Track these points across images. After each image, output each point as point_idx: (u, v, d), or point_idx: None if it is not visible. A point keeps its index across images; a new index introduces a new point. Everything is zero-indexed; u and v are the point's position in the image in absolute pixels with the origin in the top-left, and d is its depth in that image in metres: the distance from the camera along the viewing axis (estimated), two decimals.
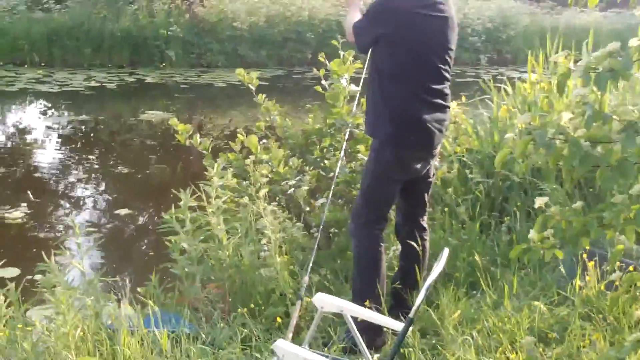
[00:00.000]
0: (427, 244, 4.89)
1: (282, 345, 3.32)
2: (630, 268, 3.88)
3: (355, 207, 4.83)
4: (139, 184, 10.46)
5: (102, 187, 10.37)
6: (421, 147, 4.62)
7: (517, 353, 4.01)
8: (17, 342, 4.02)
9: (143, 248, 8.00)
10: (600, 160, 2.93)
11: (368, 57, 4.90)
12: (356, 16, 4.78)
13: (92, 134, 14.15)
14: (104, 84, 18.27)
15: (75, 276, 4.77)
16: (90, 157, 12.21)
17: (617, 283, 3.68)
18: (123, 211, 8.83)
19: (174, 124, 6.16)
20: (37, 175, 10.78)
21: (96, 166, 11.58)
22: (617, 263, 3.76)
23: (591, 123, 2.87)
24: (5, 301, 4.23)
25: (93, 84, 18.18)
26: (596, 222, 3.15)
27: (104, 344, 4.13)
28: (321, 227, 5.09)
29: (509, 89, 7.62)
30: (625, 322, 4.19)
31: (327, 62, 6.19)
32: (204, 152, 6.03)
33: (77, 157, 12.17)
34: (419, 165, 4.66)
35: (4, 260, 5.65)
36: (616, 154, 2.89)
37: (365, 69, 5.35)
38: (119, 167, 11.26)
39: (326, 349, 4.18)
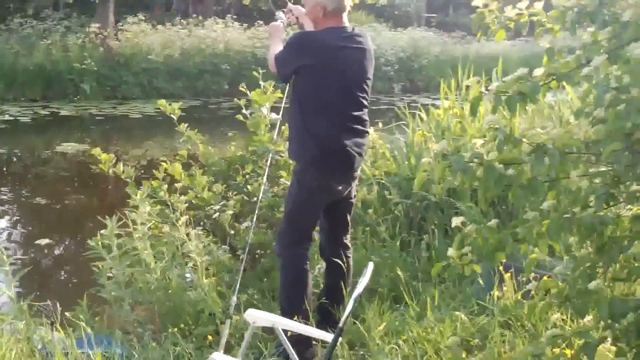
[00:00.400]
0: (351, 261, 5.06)
1: (218, 358, 3.44)
2: (545, 278, 4.11)
3: (280, 229, 4.98)
4: (57, 214, 10.40)
5: (20, 218, 10.24)
6: (342, 171, 4.81)
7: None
8: None
9: (67, 275, 7.98)
10: (512, 180, 3.14)
11: (287, 87, 5.09)
12: (278, 47, 4.95)
13: (6, 167, 13.98)
14: (17, 118, 18.03)
15: (4, 302, 4.78)
16: (6, 189, 12.06)
17: (533, 292, 3.89)
18: (44, 241, 8.78)
19: (97, 153, 6.22)
20: None
21: (13, 198, 11.44)
22: (532, 275, 3.97)
23: (503, 146, 3.08)
24: None
25: (7, 117, 17.92)
26: (510, 238, 3.36)
27: None
28: (247, 249, 5.21)
29: (424, 115, 7.89)
30: (542, 327, 4.41)
31: (248, 92, 6.34)
32: (128, 179, 6.09)
33: None
34: (340, 188, 4.84)
35: None
36: (526, 175, 3.11)
37: (285, 98, 5.55)
38: (36, 199, 11.16)
39: None
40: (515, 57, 26.29)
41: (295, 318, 4.35)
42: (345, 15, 4.82)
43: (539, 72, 3.09)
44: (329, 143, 4.69)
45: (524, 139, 3.12)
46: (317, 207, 4.84)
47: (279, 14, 5.59)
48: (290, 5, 5.63)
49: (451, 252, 3.36)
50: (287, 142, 5.43)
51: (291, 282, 4.80)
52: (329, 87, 4.68)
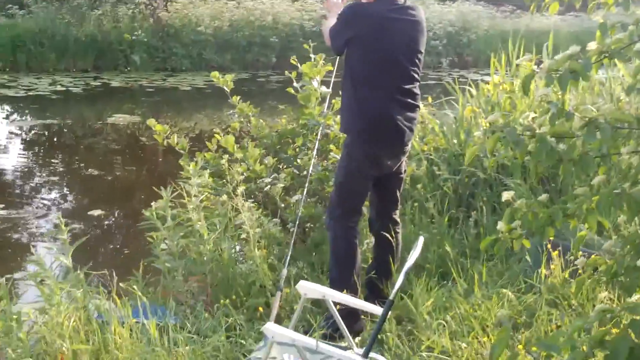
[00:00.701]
0: (400, 237, 5.11)
1: (272, 327, 3.53)
2: (593, 256, 4.13)
3: (331, 202, 5.03)
4: (108, 185, 10.56)
5: (73, 189, 10.43)
6: (392, 144, 4.84)
7: (488, 337, 4.25)
8: (12, 333, 4.17)
9: (121, 245, 8.14)
10: (564, 154, 3.16)
11: (337, 60, 5.15)
12: (333, 21, 4.99)
13: (58, 137, 14.24)
14: (69, 89, 18.32)
15: (62, 271, 4.91)
16: (58, 159, 12.33)
17: (580, 270, 3.91)
18: (96, 212, 8.94)
19: (152, 124, 6.32)
20: (7, 178, 10.84)
21: (65, 169, 11.68)
22: (580, 253, 3.99)
23: (555, 120, 3.10)
24: None
25: (59, 88, 18.23)
26: (561, 213, 3.38)
27: (95, 333, 4.30)
28: (297, 222, 5.29)
29: (473, 91, 7.88)
30: (589, 306, 4.44)
31: (298, 64, 6.39)
32: (181, 151, 6.19)
33: (45, 160, 12.26)
34: (390, 162, 4.88)
35: None
36: (578, 149, 3.12)
37: (335, 71, 5.59)
38: (88, 170, 11.38)
39: (307, 335, 4.37)
40: (565, 32, 26.00)
41: (345, 291, 4.41)
42: None
43: (591, 47, 3.10)
44: (379, 116, 4.73)
45: (576, 113, 3.14)
46: (366, 179, 4.88)
47: None
48: None
49: (500, 226, 3.39)
50: (339, 115, 5.49)
51: (341, 256, 4.86)
52: (379, 58, 4.69)
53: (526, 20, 27.65)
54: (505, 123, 3.25)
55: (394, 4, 4.76)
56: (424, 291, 4.81)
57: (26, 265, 7.27)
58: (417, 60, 4.84)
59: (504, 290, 4.68)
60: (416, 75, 4.85)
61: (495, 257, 5.41)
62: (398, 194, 5.13)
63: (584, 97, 7.29)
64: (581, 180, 5.53)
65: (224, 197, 5.66)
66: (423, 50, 4.91)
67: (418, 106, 4.93)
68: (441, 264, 5.40)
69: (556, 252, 4.77)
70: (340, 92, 5.01)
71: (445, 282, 5.19)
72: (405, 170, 5.16)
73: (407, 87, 4.79)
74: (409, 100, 4.81)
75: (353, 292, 4.61)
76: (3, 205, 9.05)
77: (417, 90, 4.87)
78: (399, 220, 5.16)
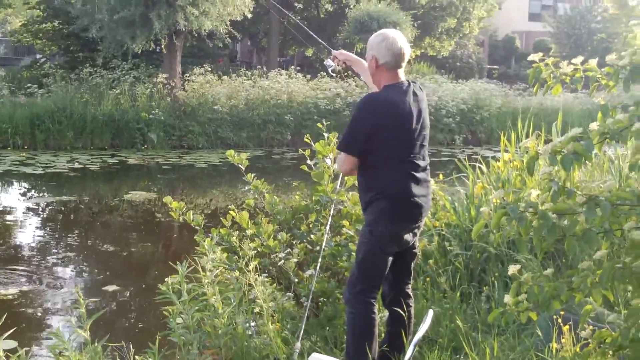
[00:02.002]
0: (412, 311, 5.19)
1: (318, 356, 3.59)
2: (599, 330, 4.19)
3: (351, 277, 5.07)
4: (124, 261, 10.66)
5: (89, 265, 10.51)
6: (412, 221, 4.97)
7: None
8: None
9: (137, 319, 8.20)
10: (566, 230, 3.26)
11: None
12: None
13: (75, 214, 14.40)
14: (86, 166, 18.61)
15: (80, 343, 4.98)
16: (75, 235, 12.48)
17: (586, 338, 3.96)
18: (111, 287, 9.03)
19: (168, 201, 6.45)
20: (25, 254, 10.97)
21: (81, 245, 11.80)
22: (590, 327, 4.05)
23: (557, 197, 3.21)
24: None
25: (76, 165, 18.53)
26: (565, 287, 3.47)
27: None
28: (310, 297, 5.38)
29: (484, 168, 8.01)
30: None
31: (312, 143, 6.54)
32: (197, 227, 6.31)
33: (62, 236, 12.40)
34: (409, 237, 5.00)
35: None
36: (581, 225, 3.22)
37: None
38: (104, 246, 11.51)
39: None
40: (577, 109, 26.35)
41: None
42: (401, 71, 5.00)
43: (593, 127, 3.22)
44: (401, 194, 4.85)
45: (577, 191, 3.25)
46: (387, 255, 4.95)
47: (328, 61, 5.88)
48: (334, 52, 5.89)
49: (507, 299, 3.47)
50: (350, 192, 5.60)
51: (359, 330, 4.90)
52: (399, 142, 4.84)
53: (538, 98, 27.97)
54: (515, 200, 3.37)
55: (402, 88, 4.93)
56: None
57: (44, 338, 7.36)
58: (426, 138, 5.01)
59: None
60: (427, 153, 5.01)
61: (507, 332, 5.45)
62: (411, 268, 5.23)
63: (592, 174, 7.40)
64: (585, 252, 5.60)
65: (237, 272, 5.76)
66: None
67: (430, 182, 5.07)
68: (453, 338, 5.45)
69: (567, 326, 4.82)
70: (358, 175, 5.09)
71: (457, 356, 5.23)
72: (417, 245, 5.26)
73: (422, 164, 4.95)
74: (425, 177, 4.99)
75: None
76: (23, 280, 9.17)
77: (428, 167, 5.03)
78: (411, 294, 5.24)
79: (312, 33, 7.44)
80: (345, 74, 6.03)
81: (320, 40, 7.10)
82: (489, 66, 47.12)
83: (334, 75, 6.02)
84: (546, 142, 3.34)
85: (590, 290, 3.37)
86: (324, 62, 5.97)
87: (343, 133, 4.93)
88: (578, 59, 3.53)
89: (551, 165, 3.24)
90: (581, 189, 3.25)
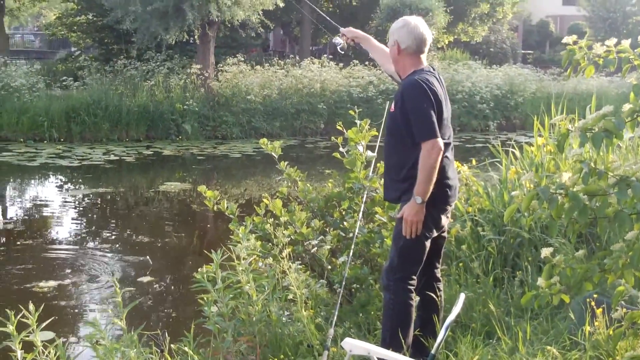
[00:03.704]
0: (443, 294, 5.20)
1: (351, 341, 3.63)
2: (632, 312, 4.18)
3: (390, 264, 5.05)
4: (159, 251, 10.77)
5: (125, 255, 10.60)
6: (449, 203, 5.03)
7: None
8: None
9: (172, 308, 8.30)
10: (597, 211, 3.25)
11: (382, 126, 5.31)
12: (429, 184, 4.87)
13: (111, 206, 14.57)
14: (122, 158, 18.78)
15: (115, 333, 5.06)
16: (111, 227, 12.64)
17: (619, 320, 3.95)
18: (146, 277, 9.13)
19: (203, 190, 6.51)
20: (62, 246, 11.11)
21: (117, 236, 11.95)
22: (622, 310, 4.04)
23: (588, 179, 3.20)
24: (55, 355, 4.50)
25: (112, 157, 18.71)
26: (597, 268, 3.46)
27: None
28: (343, 283, 5.40)
29: (517, 153, 7.98)
30: None
31: (344, 130, 6.56)
32: (231, 216, 6.37)
33: (98, 228, 12.56)
34: (444, 221, 5.04)
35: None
36: (613, 207, 3.22)
37: (380, 136, 5.73)
38: (139, 237, 11.64)
39: None
40: (612, 93, 26.09)
41: (392, 349, 4.48)
42: (424, 57, 5.01)
43: (626, 107, 3.21)
44: (441, 178, 4.85)
45: (608, 172, 3.24)
46: (427, 241, 4.97)
47: (336, 39, 5.89)
48: (342, 29, 5.91)
49: (540, 281, 3.47)
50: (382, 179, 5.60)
51: (397, 318, 4.93)
52: (440, 123, 4.83)
53: (573, 83, 27.73)
54: (548, 184, 3.37)
55: (432, 73, 4.95)
56: (469, 349, 4.86)
57: (80, 328, 7.47)
58: None
59: (549, 348, 4.72)
60: None
61: (540, 316, 5.44)
62: (442, 251, 5.25)
63: (627, 158, 7.35)
64: (621, 237, 5.57)
65: (271, 259, 5.81)
66: None
67: None
68: (486, 323, 5.45)
69: (600, 309, 4.80)
70: (392, 162, 5.08)
71: (490, 340, 5.23)
72: (447, 229, 5.28)
73: (452, 146, 4.99)
74: (453, 159, 5.04)
75: (399, 350, 4.68)
76: (60, 271, 9.30)
77: None
78: (440, 277, 5.25)
79: (315, 7, 7.44)
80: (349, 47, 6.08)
81: (326, 16, 7.10)
82: (523, 51, 46.75)
83: (342, 52, 6.06)
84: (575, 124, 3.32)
85: (622, 272, 3.37)
86: (333, 40, 5.99)
87: (417, 125, 4.78)
88: (611, 41, 3.52)
89: (582, 145, 3.24)
90: (612, 170, 3.24)
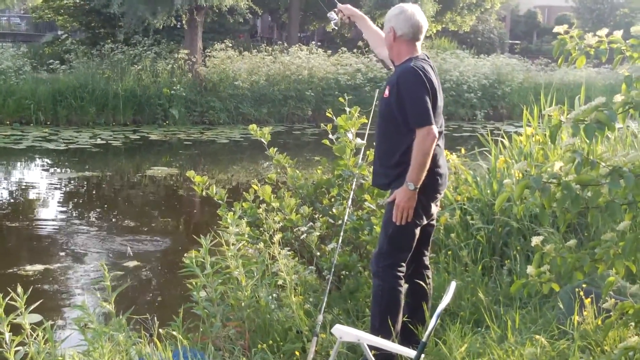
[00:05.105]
0: (432, 282, 5.22)
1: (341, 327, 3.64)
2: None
3: (380, 250, 5.04)
4: (145, 235, 10.73)
5: (111, 240, 10.56)
6: (439, 192, 5.03)
7: None
8: None
9: (161, 292, 8.30)
10: (589, 201, 3.26)
11: (372, 113, 5.31)
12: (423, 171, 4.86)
13: (97, 190, 14.54)
14: (109, 142, 18.72)
15: (105, 316, 5.05)
16: (97, 211, 12.62)
17: (609, 310, 3.96)
18: (133, 262, 9.11)
19: (191, 175, 6.49)
20: (47, 230, 11.08)
21: (104, 220, 11.92)
22: (612, 301, 4.06)
23: (580, 168, 3.21)
24: (43, 338, 4.48)
25: (99, 141, 18.65)
26: (588, 258, 3.48)
27: None
28: (332, 270, 5.40)
29: (506, 142, 8.00)
30: None
31: (334, 117, 6.54)
32: (220, 201, 6.36)
33: (85, 212, 12.53)
34: (434, 209, 5.05)
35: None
36: (605, 197, 3.23)
37: (369, 123, 5.73)
38: (125, 221, 11.60)
39: None
40: (599, 84, 26.18)
41: (381, 336, 4.49)
42: (419, 45, 5.00)
43: (617, 99, 3.21)
44: (433, 166, 4.85)
45: (601, 162, 3.25)
46: (417, 228, 4.97)
47: (331, 14, 5.84)
48: (339, 5, 5.88)
49: (530, 270, 3.48)
50: (371, 167, 5.60)
51: (386, 303, 4.92)
52: (434, 111, 4.81)
53: (560, 73, 27.81)
54: (537, 173, 3.37)
55: (427, 61, 4.95)
56: (458, 337, 4.87)
57: (68, 312, 7.45)
58: None
59: (537, 337, 4.73)
60: None
61: (529, 305, 5.46)
62: (430, 239, 5.26)
63: (615, 148, 7.37)
64: (612, 227, 5.59)
65: (261, 245, 5.80)
66: None
67: None
68: (475, 311, 5.46)
69: (588, 299, 4.83)
70: (384, 148, 5.05)
71: (479, 329, 5.24)
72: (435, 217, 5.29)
73: (443, 134, 4.98)
74: (443, 147, 5.04)
75: (388, 336, 4.69)
76: (47, 255, 9.27)
77: None
78: (429, 265, 5.26)
79: None
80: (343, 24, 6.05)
81: None
82: (510, 41, 46.85)
83: (336, 28, 6.02)
84: (567, 115, 3.32)
85: (613, 262, 3.38)
86: (328, 15, 5.91)
87: (412, 111, 4.76)
88: (603, 31, 3.52)
89: (574, 136, 3.25)
90: (605, 161, 3.24)
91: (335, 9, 5.85)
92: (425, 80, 4.76)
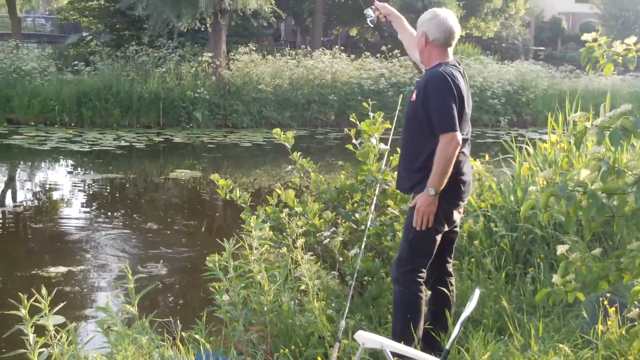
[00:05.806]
0: (455, 289, 5.19)
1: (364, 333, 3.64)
2: None
3: (400, 256, 5.04)
4: (168, 238, 10.77)
5: (136, 242, 10.61)
6: (462, 199, 4.99)
7: None
8: None
9: (183, 296, 8.32)
10: (615, 210, 3.24)
11: (395, 118, 5.30)
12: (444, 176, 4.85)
13: (121, 192, 14.61)
14: (132, 144, 18.81)
15: (126, 319, 5.06)
16: (120, 213, 12.66)
17: (634, 319, 3.94)
18: (157, 264, 9.15)
19: (215, 179, 6.50)
20: (71, 231, 11.14)
21: (127, 222, 11.96)
22: (637, 310, 4.03)
23: (606, 177, 3.19)
24: (66, 340, 4.50)
25: (122, 143, 18.75)
26: (614, 267, 3.45)
27: None
28: (355, 275, 5.39)
29: (530, 149, 7.95)
30: None
31: (357, 122, 6.53)
32: (243, 205, 6.36)
33: (108, 214, 12.58)
34: (457, 216, 5.01)
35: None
36: (631, 205, 3.20)
37: (393, 129, 5.71)
38: (148, 223, 11.65)
39: None
40: (624, 92, 26.04)
41: (403, 342, 4.47)
42: (450, 50, 4.98)
43: None
44: (457, 173, 4.83)
45: (627, 170, 3.23)
46: (438, 235, 4.95)
47: (368, 11, 5.82)
48: (377, 3, 5.87)
49: (555, 278, 3.46)
50: (396, 172, 5.58)
51: (407, 309, 4.91)
52: (461, 118, 4.78)
53: (585, 81, 27.66)
54: (562, 181, 3.36)
55: (457, 67, 4.92)
56: (481, 345, 4.85)
57: (92, 314, 7.48)
58: None
59: (561, 346, 4.70)
60: None
61: (552, 313, 5.43)
62: (453, 246, 5.23)
63: None
64: (637, 237, 5.55)
65: (284, 249, 5.80)
66: None
67: None
68: (498, 319, 5.44)
69: (613, 308, 4.79)
70: (408, 151, 5.03)
71: (501, 336, 5.22)
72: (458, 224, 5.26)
73: (470, 142, 4.97)
74: (469, 154, 5.01)
75: (410, 342, 4.68)
76: (70, 257, 9.31)
77: None
78: (452, 272, 5.24)
79: None
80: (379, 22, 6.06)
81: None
82: (535, 47, 46.62)
83: (371, 25, 6.01)
84: (592, 122, 3.31)
85: (638, 271, 3.35)
86: (365, 11, 5.90)
87: (437, 117, 4.72)
88: (631, 39, 3.50)
89: (599, 144, 3.23)
90: (631, 169, 3.22)
91: (373, 7, 5.84)
92: (452, 85, 4.72)
